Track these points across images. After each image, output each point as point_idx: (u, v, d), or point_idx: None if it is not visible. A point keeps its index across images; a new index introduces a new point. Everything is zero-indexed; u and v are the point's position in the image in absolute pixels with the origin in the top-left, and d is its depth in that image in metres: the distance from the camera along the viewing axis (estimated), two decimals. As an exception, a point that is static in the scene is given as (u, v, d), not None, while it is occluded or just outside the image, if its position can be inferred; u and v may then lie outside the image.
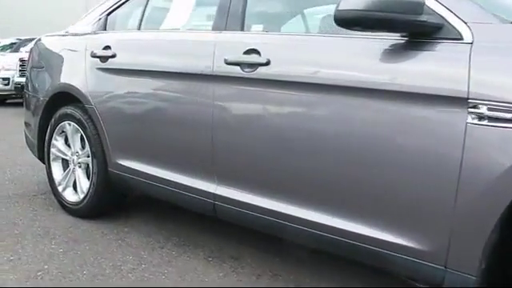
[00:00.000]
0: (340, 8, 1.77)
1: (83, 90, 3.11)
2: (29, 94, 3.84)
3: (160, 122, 2.69)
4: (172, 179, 2.64)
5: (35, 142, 3.62)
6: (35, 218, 3.31)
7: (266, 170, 2.26)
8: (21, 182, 4.29)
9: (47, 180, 3.61)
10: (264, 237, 2.63)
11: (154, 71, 2.72)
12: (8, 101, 11.33)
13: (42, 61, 3.63)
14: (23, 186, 4.12)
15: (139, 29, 3.04)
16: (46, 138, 3.47)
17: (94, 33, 3.26)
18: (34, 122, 3.58)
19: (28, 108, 3.85)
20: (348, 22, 1.79)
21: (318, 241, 2.09)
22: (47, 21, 19.99)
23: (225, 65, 2.34)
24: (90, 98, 3.06)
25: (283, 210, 2.19)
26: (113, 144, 2.99)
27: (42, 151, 3.57)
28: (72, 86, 3.20)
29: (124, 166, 2.94)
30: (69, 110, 3.27)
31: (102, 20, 3.25)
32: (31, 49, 3.91)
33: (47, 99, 3.41)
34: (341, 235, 1.98)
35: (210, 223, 3.07)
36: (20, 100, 10.64)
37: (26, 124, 3.92)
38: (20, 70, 9.79)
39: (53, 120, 3.40)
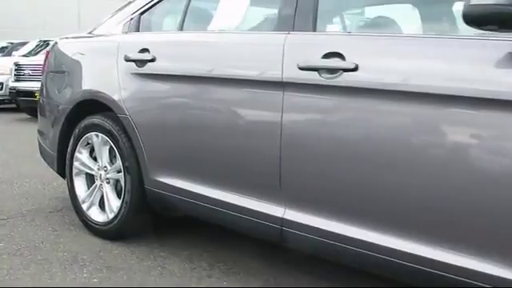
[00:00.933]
0: (472, 3, 1.47)
1: (116, 98, 2.77)
2: (44, 101, 3.50)
3: (213, 135, 2.36)
4: (227, 200, 2.31)
5: (54, 154, 3.26)
6: (58, 240, 2.96)
7: (349, 193, 1.95)
8: (32, 196, 3.94)
9: (64, 195, 3.30)
10: (323, 262, 2.33)
11: (204, 77, 2.41)
12: (1, 106, 10.90)
13: (63, 65, 3.29)
14: (36, 202, 3.77)
15: (181, 29, 2.71)
16: (68, 150, 3.13)
17: (126, 34, 2.93)
18: (54, 132, 3.23)
19: (44, 116, 3.51)
20: (480, 19, 1.49)
21: (425, 279, 1.77)
22: (41, 24, 19.56)
23: (298, 70, 2.03)
24: (123, 106, 2.73)
25: (373, 240, 1.88)
26: (151, 159, 2.65)
27: (63, 165, 3.22)
28: (102, 93, 2.86)
29: (165, 183, 2.61)
30: (96, 119, 2.93)
31: (135, 20, 2.92)
32: (47, 52, 3.57)
33: (70, 107, 3.07)
34: (460, 274, 1.66)
35: (253, 246, 2.75)
36: (14, 105, 10.28)
37: (41, 133, 3.58)
38: (15, 75, 9.38)
39: (77, 130, 3.06)
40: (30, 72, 9.28)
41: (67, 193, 3.93)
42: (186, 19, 2.69)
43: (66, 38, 3.55)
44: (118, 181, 2.93)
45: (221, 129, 2.33)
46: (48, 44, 12.83)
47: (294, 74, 2.04)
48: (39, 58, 10.35)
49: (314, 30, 2.12)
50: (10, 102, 10.21)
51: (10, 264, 2.60)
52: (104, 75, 2.89)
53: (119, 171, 2.86)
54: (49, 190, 4.15)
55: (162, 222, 3.15)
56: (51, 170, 4.68)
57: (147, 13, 2.90)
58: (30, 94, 9.09)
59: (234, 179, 2.31)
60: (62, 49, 3.39)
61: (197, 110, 2.46)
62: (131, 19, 2.95)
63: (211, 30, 2.70)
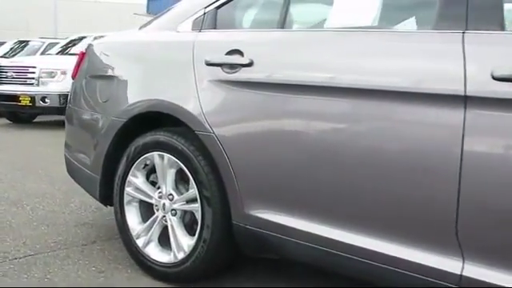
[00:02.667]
0: None
1: (193, 111, 2.22)
2: (77, 110, 2.93)
3: (346, 160, 1.83)
4: (371, 248, 1.78)
5: (97, 177, 2.66)
6: (110, 286, 2.38)
7: None
8: (52, 222, 3.33)
9: (91, 221, 2.83)
10: None
11: (328, 87, 1.88)
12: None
13: (110, 69, 2.71)
14: (61, 230, 3.17)
15: (282, 26, 2.17)
16: (119, 172, 2.54)
17: (200, 32, 2.38)
18: (98, 150, 2.64)
19: (75, 126, 2.94)
20: None
21: None
22: (20, 23, 18.59)
23: (492, 81, 1.53)
24: (205, 121, 2.18)
25: None
26: (245, 188, 2.11)
27: (109, 190, 2.63)
28: (173, 104, 2.30)
29: (264, 219, 2.07)
30: (162, 136, 2.37)
31: (210, 15, 2.37)
32: (82, 54, 2.98)
33: (124, 121, 2.49)
34: None
35: None
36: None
37: (70, 147, 3.02)
38: (-4, 77, 8.64)
39: (132, 149, 2.48)
40: (14, 74, 8.56)
41: (93, 218, 3.39)
42: (288, 14, 2.16)
43: (104, 37, 2.99)
44: (186, 212, 2.38)
45: (358, 154, 1.80)
46: (27, 44, 12.09)
47: (485, 87, 1.54)
48: (22, 60, 9.67)
49: (502, 28, 1.63)
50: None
51: (64, 323, 2.03)
52: (175, 82, 2.34)
53: (190, 201, 2.31)
54: (69, 213, 3.55)
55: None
56: (57, 186, 4.13)
57: (226, 6, 2.36)
58: (13, 98, 8.42)
59: (383, 222, 1.78)
60: (104, 50, 2.81)
61: (318, 130, 1.93)
62: (204, 14, 2.39)
63: (331, 28, 2.16)
